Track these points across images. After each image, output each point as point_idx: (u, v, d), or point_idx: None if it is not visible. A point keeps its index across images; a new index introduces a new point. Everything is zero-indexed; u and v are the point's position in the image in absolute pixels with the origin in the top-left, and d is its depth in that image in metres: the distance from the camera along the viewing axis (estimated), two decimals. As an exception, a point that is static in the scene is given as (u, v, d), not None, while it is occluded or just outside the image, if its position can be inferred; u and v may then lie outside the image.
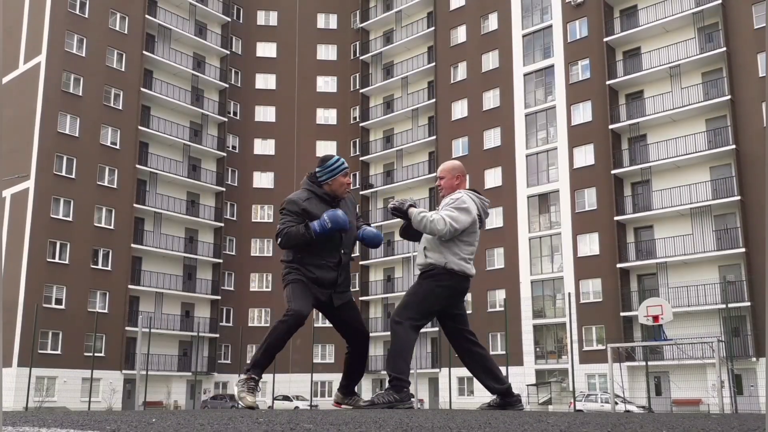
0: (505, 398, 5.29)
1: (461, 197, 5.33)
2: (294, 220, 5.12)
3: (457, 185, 5.48)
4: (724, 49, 40.86)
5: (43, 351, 44.03)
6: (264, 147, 60.69)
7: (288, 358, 52.56)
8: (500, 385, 5.32)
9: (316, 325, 47.66)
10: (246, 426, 2.58)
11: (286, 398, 48.72)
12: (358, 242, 5.48)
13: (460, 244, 5.29)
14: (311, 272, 5.19)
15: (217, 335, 55.13)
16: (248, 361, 5.11)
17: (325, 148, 60.18)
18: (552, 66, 48.82)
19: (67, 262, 46.79)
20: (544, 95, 49.32)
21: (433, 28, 56.51)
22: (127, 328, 48.89)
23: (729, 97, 40.39)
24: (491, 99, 51.84)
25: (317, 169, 5.29)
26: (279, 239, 5.17)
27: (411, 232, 5.42)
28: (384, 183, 58.03)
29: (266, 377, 49.00)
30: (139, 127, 52.09)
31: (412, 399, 5.35)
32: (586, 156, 46.08)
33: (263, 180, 60.09)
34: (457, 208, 5.23)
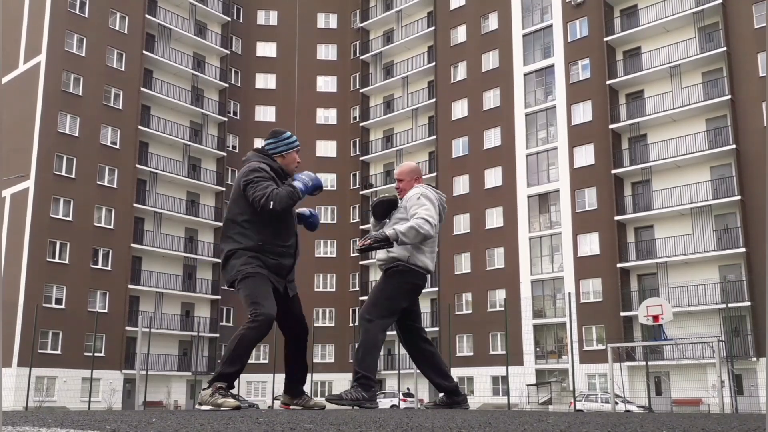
0: (452, 397, 5.28)
1: (421, 192, 5.28)
2: (272, 183, 4.70)
3: (415, 184, 5.44)
4: (724, 48, 40.86)
5: (43, 351, 44.03)
6: (264, 147, 60.66)
7: (288, 358, 52.56)
8: (448, 383, 5.30)
9: (316, 325, 47.69)
10: (246, 426, 2.57)
11: (286, 398, 48.68)
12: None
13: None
14: (273, 259, 4.75)
15: (217, 335, 55.13)
16: (218, 369, 4.60)
17: (325, 147, 60.21)
18: (552, 66, 48.82)
19: (67, 261, 46.79)
20: (544, 95, 49.32)
21: (433, 27, 56.51)
22: (127, 328, 48.89)
23: (729, 96, 40.38)
24: (491, 99, 51.84)
25: (269, 141, 4.96)
26: (271, 203, 4.58)
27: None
28: (384, 183, 58.02)
29: (266, 377, 48.98)
30: (139, 127, 52.09)
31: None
32: (586, 156, 46.08)
33: (263, 180, 60.07)
34: (425, 204, 5.18)
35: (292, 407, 4.97)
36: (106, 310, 47.97)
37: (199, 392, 4.59)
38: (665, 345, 34.66)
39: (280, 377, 41.78)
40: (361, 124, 60.04)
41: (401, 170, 5.56)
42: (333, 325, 57.27)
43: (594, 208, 45.04)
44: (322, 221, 55.88)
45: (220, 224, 56.83)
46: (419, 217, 5.07)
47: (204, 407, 4.44)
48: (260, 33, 62.60)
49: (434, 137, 54.63)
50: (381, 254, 5.26)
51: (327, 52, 62.86)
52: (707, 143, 41.54)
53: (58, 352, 45.41)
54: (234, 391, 4.67)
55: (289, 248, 4.83)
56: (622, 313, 42.23)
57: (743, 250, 38.85)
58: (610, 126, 44.78)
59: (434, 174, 54.02)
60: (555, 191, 47.28)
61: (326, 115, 61.71)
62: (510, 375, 35.16)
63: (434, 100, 55.29)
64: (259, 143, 60.62)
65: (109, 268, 48.99)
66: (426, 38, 57.51)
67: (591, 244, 44.83)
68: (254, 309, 4.57)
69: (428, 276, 5.39)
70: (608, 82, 45.17)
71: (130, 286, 49.94)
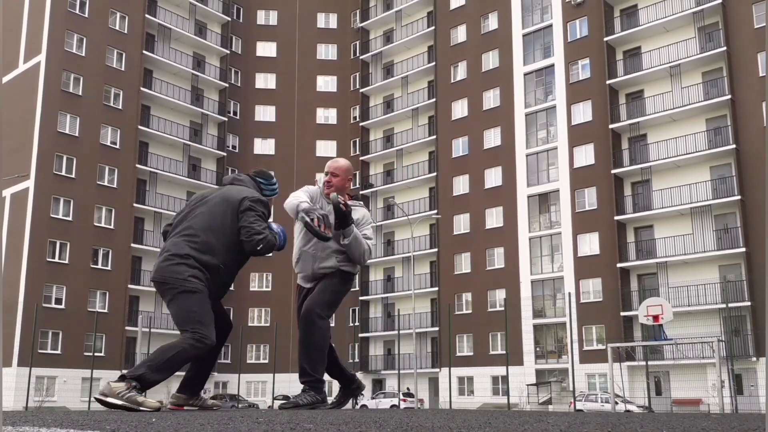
0: (349, 386, 5.27)
1: (369, 216, 5.30)
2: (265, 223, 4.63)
3: (346, 187, 5.22)
4: (724, 48, 40.87)
5: (43, 351, 44.02)
6: (264, 146, 60.70)
7: (288, 358, 52.57)
8: (345, 376, 5.30)
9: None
10: (246, 426, 2.57)
11: (285, 398, 48.68)
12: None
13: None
14: (225, 278, 4.66)
15: (217, 335, 55.07)
16: (135, 370, 4.26)
17: (325, 147, 60.20)
18: (552, 65, 48.82)
19: (66, 261, 46.79)
20: (544, 95, 49.32)
21: (433, 27, 56.51)
22: (127, 328, 48.90)
23: (729, 96, 40.38)
24: (491, 98, 51.84)
25: (264, 182, 4.96)
26: (260, 246, 4.50)
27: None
28: (384, 183, 58.02)
29: (266, 377, 49.08)
30: (139, 127, 52.09)
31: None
32: (586, 155, 46.08)
33: (263, 180, 60.09)
34: (372, 236, 5.22)
35: (186, 408, 4.76)
36: (106, 310, 47.97)
37: (107, 383, 4.19)
38: (665, 345, 34.66)
39: (280, 377, 41.99)
40: (361, 124, 60.04)
41: (338, 166, 5.24)
42: (332, 325, 57.24)
43: (594, 208, 45.04)
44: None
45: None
46: (369, 245, 5.12)
47: (111, 400, 4.09)
48: (260, 33, 62.61)
49: (434, 137, 54.63)
50: (330, 262, 5.08)
51: (327, 52, 62.87)
52: (707, 143, 41.54)
53: (58, 352, 45.41)
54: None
55: (228, 284, 4.77)
56: (622, 313, 42.23)
57: (743, 250, 38.85)
58: (610, 126, 44.78)
59: (434, 174, 54.03)
60: (555, 191, 47.28)
61: (326, 115, 61.71)
62: (510, 375, 35.14)
63: (434, 100, 55.29)
64: (258, 143, 60.72)
65: (109, 268, 48.99)
66: (426, 38, 57.51)
67: (591, 244, 44.83)
68: (201, 330, 4.38)
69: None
70: (608, 82, 45.17)
71: (130, 286, 49.95)
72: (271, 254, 4.88)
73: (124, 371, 4.40)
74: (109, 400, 4.10)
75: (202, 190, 59.80)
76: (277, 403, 47.27)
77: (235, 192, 4.71)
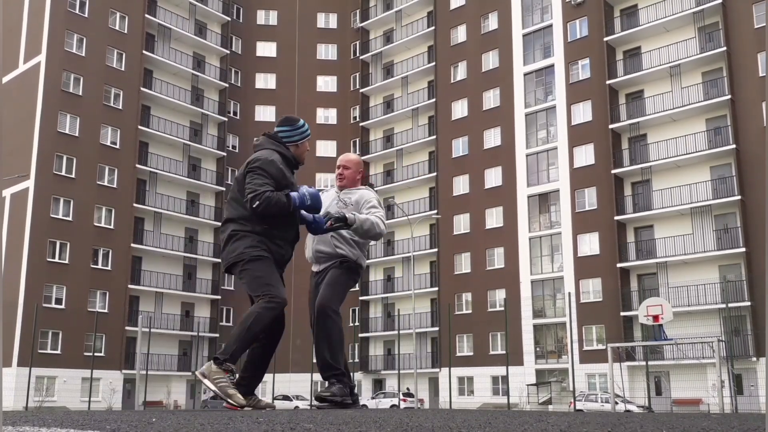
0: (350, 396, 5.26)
1: (376, 197, 5.32)
2: (271, 184, 4.56)
3: (357, 180, 5.37)
4: (724, 48, 40.86)
5: (43, 351, 44.02)
6: (264, 147, 60.66)
7: (288, 358, 52.56)
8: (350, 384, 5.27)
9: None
10: (246, 426, 2.57)
11: (285, 398, 48.70)
12: None
13: (362, 240, 5.26)
14: (280, 247, 4.65)
15: (217, 335, 55.11)
16: (222, 351, 4.35)
17: (325, 147, 60.19)
18: (552, 65, 48.82)
19: (67, 261, 46.78)
20: (544, 95, 49.32)
21: (433, 27, 56.51)
22: (127, 328, 48.89)
23: (729, 96, 40.39)
24: (491, 98, 51.84)
25: (284, 128, 4.84)
26: (257, 203, 4.48)
27: (314, 228, 5.04)
28: (384, 183, 58.03)
29: (266, 377, 49.34)
30: (139, 127, 52.09)
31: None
32: (586, 155, 46.08)
33: (263, 180, 60.07)
34: (380, 209, 5.20)
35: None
36: (106, 310, 47.97)
37: (210, 363, 4.31)
38: (665, 345, 34.65)
39: (280, 377, 42.00)
40: (361, 124, 60.04)
41: (349, 159, 5.46)
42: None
43: (594, 208, 45.04)
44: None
45: (220, 224, 56.73)
46: (378, 216, 5.06)
47: (207, 382, 4.23)
48: (260, 33, 62.61)
49: (434, 137, 54.63)
50: (326, 247, 5.14)
51: (327, 52, 62.87)
52: (707, 143, 41.54)
53: (58, 352, 45.40)
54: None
55: (291, 240, 4.77)
56: (622, 313, 42.23)
57: (743, 250, 38.84)
58: (610, 126, 44.78)
59: (434, 174, 54.03)
60: (555, 191, 47.27)
61: (326, 115, 61.71)
62: (510, 375, 35.15)
63: (434, 100, 55.29)
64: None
65: (109, 268, 48.99)
66: (426, 38, 57.51)
67: (591, 244, 44.83)
68: (268, 290, 4.44)
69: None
70: (608, 82, 45.17)
71: (130, 286, 49.94)
72: (311, 212, 4.78)
73: (217, 355, 4.40)
74: (206, 382, 4.28)
75: (202, 190, 59.72)
76: (277, 402, 47.24)
77: (251, 159, 4.75)
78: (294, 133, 4.84)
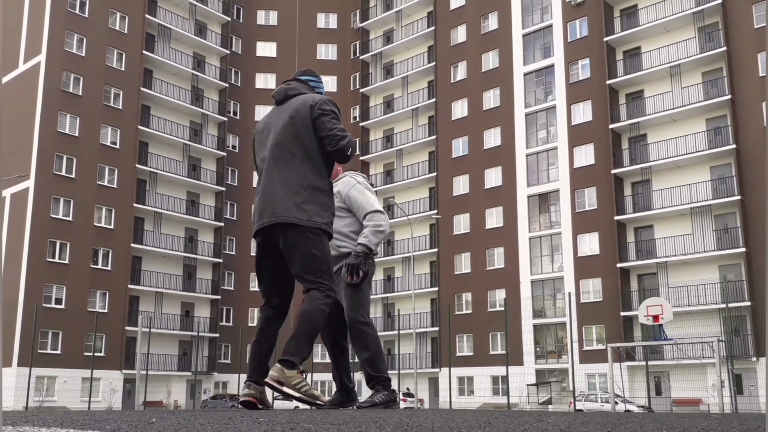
0: (348, 395, 5.06)
1: (356, 180, 5.10)
2: None
3: (339, 170, 5.19)
4: (724, 48, 40.87)
5: (43, 351, 44.04)
6: (264, 147, 60.69)
7: (288, 358, 52.56)
8: (349, 383, 5.06)
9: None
10: (246, 426, 2.57)
11: (286, 398, 48.69)
12: None
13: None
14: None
15: (217, 335, 55.15)
16: (291, 352, 3.91)
17: (325, 147, 60.14)
18: (552, 65, 48.83)
19: (67, 261, 46.80)
20: (544, 95, 49.33)
21: (433, 27, 56.52)
22: (127, 328, 48.91)
23: (729, 96, 40.39)
24: (491, 99, 51.85)
25: (314, 78, 4.44)
26: (350, 150, 4.02)
27: None
28: (384, 183, 58.05)
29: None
30: (139, 127, 52.11)
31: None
32: (586, 155, 46.09)
33: (263, 180, 60.08)
34: (368, 195, 4.99)
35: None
36: (106, 310, 47.98)
37: (279, 369, 3.86)
38: (665, 345, 34.67)
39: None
40: (361, 124, 60.05)
41: None
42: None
43: (594, 208, 45.05)
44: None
45: (220, 224, 56.83)
46: (374, 213, 4.89)
47: (287, 390, 3.85)
48: (260, 33, 62.63)
49: (434, 137, 54.64)
50: (348, 244, 4.90)
51: (327, 52, 62.89)
52: (707, 143, 41.55)
53: (58, 352, 45.41)
54: (234, 391, 4.56)
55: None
56: (622, 313, 42.24)
57: (743, 250, 38.85)
58: (610, 126, 44.79)
59: (434, 174, 54.04)
60: (555, 191, 47.28)
61: (326, 115, 61.67)
62: (510, 375, 35.16)
63: (434, 100, 55.31)
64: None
65: (109, 268, 49.00)
66: (426, 38, 57.53)
67: (591, 244, 44.84)
68: (327, 280, 3.95)
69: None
70: (608, 82, 45.18)
71: (130, 286, 49.95)
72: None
73: (287, 357, 3.88)
74: (286, 390, 3.87)
75: (202, 190, 59.63)
76: (277, 402, 47.22)
77: (304, 101, 4.16)
78: (321, 84, 4.43)
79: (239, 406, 4.47)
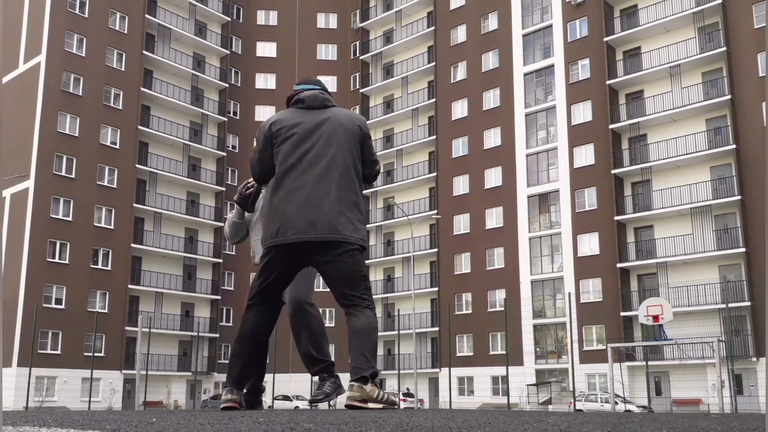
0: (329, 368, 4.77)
1: None
2: None
3: None
4: (724, 48, 40.87)
5: (43, 351, 44.04)
6: (264, 147, 60.69)
7: (288, 358, 52.55)
8: (323, 357, 4.80)
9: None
10: (246, 426, 2.57)
11: (286, 398, 48.72)
12: None
13: None
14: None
15: (217, 335, 55.14)
16: (363, 368, 3.93)
17: (325, 147, 60.14)
18: (552, 66, 48.83)
19: (67, 261, 46.79)
20: (544, 95, 49.33)
21: (433, 27, 56.52)
22: (127, 328, 48.90)
23: (729, 96, 40.40)
24: (491, 99, 51.85)
25: (323, 87, 4.31)
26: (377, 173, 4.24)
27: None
28: (384, 183, 58.05)
29: (266, 377, 49.09)
30: (139, 127, 52.11)
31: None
32: (586, 156, 46.09)
33: (263, 180, 60.09)
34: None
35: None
36: (106, 310, 47.98)
37: (359, 387, 3.88)
38: (665, 345, 34.67)
39: (280, 377, 41.94)
40: (361, 124, 59.99)
41: None
42: (333, 325, 57.27)
43: (594, 208, 45.06)
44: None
45: (220, 224, 56.81)
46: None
47: (374, 406, 3.88)
48: (260, 33, 62.62)
49: (434, 137, 54.64)
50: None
51: (327, 52, 62.88)
52: (707, 143, 41.55)
53: (58, 352, 45.41)
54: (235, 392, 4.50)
55: None
56: (622, 313, 42.24)
57: (743, 250, 38.85)
58: (610, 126, 44.79)
59: (434, 174, 54.03)
60: (555, 191, 47.28)
61: (326, 115, 61.68)
62: (510, 375, 35.17)
63: (434, 100, 55.30)
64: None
65: (109, 268, 49.00)
66: (426, 38, 57.52)
67: (591, 244, 44.84)
68: (370, 295, 4.02)
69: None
70: (608, 82, 45.18)
71: (130, 286, 49.95)
72: None
73: (365, 374, 3.91)
74: (372, 405, 3.88)
75: (202, 190, 59.58)
76: (277, 402, 47.28)
77: (345, 118, 4.09)
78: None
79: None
